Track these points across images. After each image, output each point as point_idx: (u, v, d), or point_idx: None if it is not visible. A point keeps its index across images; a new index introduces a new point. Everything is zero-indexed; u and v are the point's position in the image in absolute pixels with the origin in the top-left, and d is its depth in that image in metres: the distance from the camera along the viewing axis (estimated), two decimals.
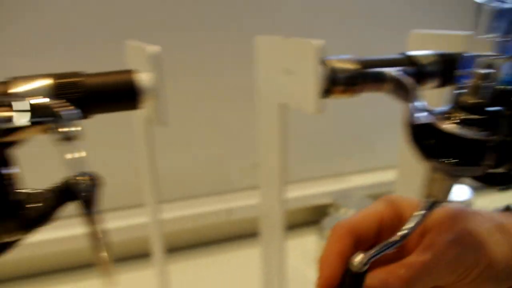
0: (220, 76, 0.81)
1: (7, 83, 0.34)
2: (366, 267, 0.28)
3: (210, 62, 0.79)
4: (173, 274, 0.58)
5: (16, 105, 0.23)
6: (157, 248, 0.57)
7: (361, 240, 0.31)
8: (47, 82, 0.35)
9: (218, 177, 0.87)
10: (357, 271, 0.28)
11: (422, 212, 0.29)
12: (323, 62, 0.41)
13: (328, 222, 0.84)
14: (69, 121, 0.23)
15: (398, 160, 0.67)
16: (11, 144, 0.22)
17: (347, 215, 0.87)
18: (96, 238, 0.30)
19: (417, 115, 0.34)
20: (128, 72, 0.36)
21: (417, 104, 0.36)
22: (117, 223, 0.77)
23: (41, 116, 0.23)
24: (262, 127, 0.51)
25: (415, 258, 0.29)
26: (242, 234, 0.87)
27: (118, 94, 0.35)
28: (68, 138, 0.22)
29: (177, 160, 0.83)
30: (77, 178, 0.29)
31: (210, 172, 0.86)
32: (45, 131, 0.23)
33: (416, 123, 0.33)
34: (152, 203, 0.53)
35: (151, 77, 0.36)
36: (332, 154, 0.95)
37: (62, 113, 0.24)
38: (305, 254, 0.57)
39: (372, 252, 0.28)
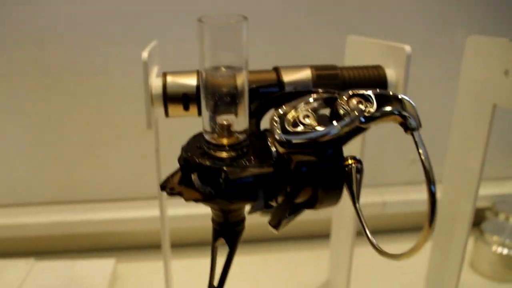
0: None
1: (277, 72, 0.39)
2: None
3: None
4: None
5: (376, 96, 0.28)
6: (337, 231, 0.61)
7: None
8: (308, 72, 0.39)
9: (375, 168, 0.89)
10: None
11: None
12: None
13: (487, 227, 0.82)
14: (413, 111, 0.27)
15: None
16: (363, 130, 0.26)
17: (509, 221, 0.84)
18: (359, 213, 0.34)
19: None
20: (379, 67, 0.39)
21: None
22: None
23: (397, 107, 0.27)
24: (464, 124, 0.52)
25: None
26: (395, 228, 0.89)
27: (369, 87, 0.39)
28: (415, 127, 0.26)
29: None
30: (351, 160, 0.33)
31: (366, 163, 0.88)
32: (396, 120, 0.27)
33: None
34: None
35: (399, 74, 0.39)
36: (493, 156, 0.92)
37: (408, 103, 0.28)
38: None
39: None
